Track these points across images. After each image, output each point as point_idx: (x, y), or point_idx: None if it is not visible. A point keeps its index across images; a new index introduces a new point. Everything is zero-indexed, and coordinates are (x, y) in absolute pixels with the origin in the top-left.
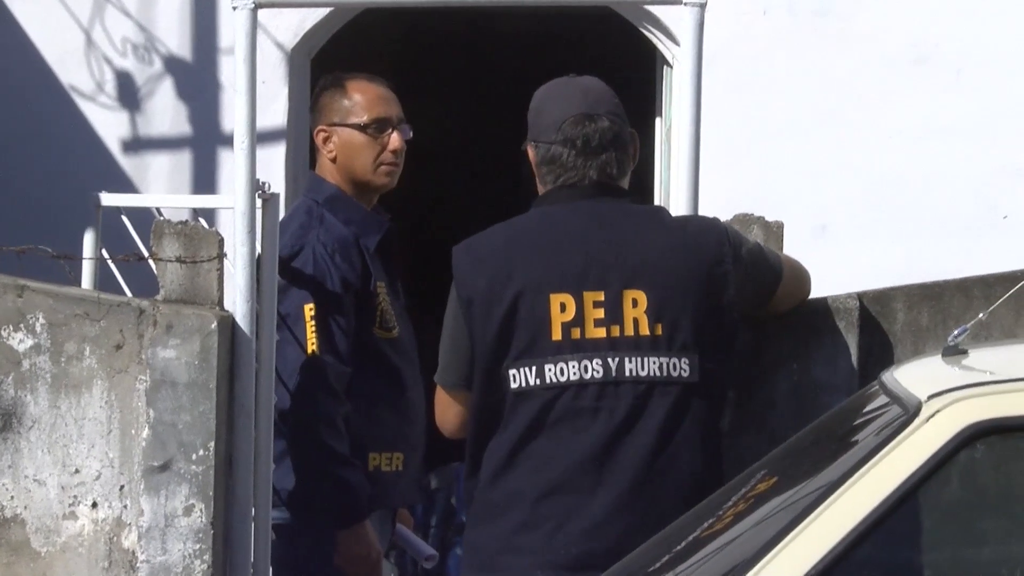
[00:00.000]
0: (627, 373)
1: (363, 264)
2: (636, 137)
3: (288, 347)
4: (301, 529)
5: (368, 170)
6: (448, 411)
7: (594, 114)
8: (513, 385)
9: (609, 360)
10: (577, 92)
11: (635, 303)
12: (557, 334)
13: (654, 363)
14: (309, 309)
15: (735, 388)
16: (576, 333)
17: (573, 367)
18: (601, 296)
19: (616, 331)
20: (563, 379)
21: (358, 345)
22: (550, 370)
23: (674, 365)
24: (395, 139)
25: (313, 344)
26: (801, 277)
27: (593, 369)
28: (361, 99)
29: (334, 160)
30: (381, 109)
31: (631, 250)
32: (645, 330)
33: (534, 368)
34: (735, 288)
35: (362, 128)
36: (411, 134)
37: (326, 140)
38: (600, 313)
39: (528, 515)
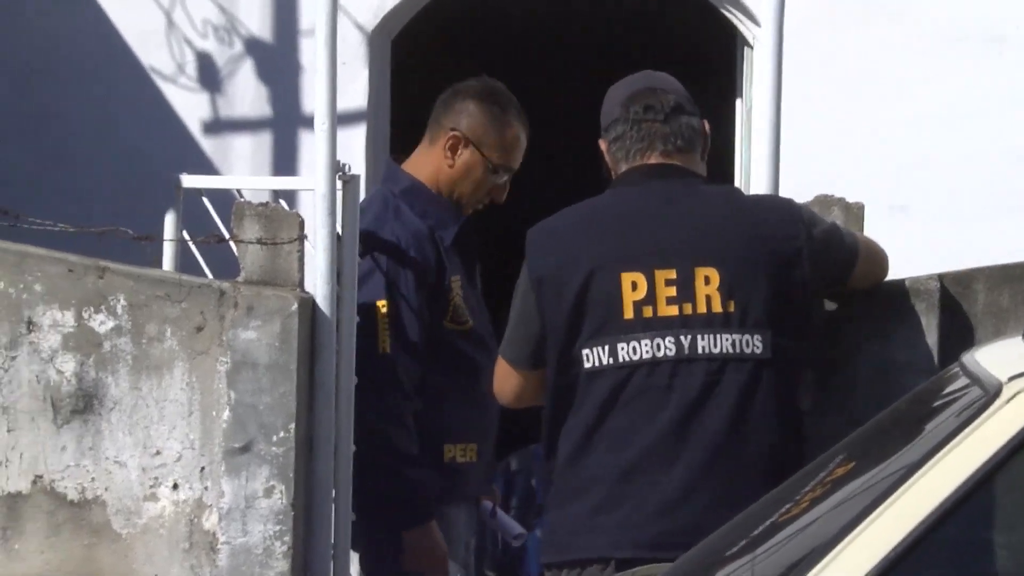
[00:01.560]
0: (700, 350)
1: (438, 258)
2: (707, 128)
3: (360, 343)
4: (364, 527)
5: (466, 196)
6: (506, 383)
7: (657, 88)
8: (587, 365)
9: (682, 338)
10: (641, 75)
11: (707, 280)
12: (629, 312)
13: (727, 340)
14: (382, 306)
15: (816, 369)
16: (648, 311)
17: (646, 345)
18: (673, 274)
19: (688, 309)
20: (636, 358)
21: (430, 339)
22: (623, 349)
23: (747, 342)
24: (503, 189)
25: (385, 342)
26: (878, 258)
27: (666, 347)
28: (511, 139)
29: (450, 167)
30: (515, 159)
31: (702, 228)
32: (718, 307)
33: (607, 347)
34: (809, 266)
35: (493, 166)
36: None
37: (455, 146)
38: (672, 291)
39: (605, 495)
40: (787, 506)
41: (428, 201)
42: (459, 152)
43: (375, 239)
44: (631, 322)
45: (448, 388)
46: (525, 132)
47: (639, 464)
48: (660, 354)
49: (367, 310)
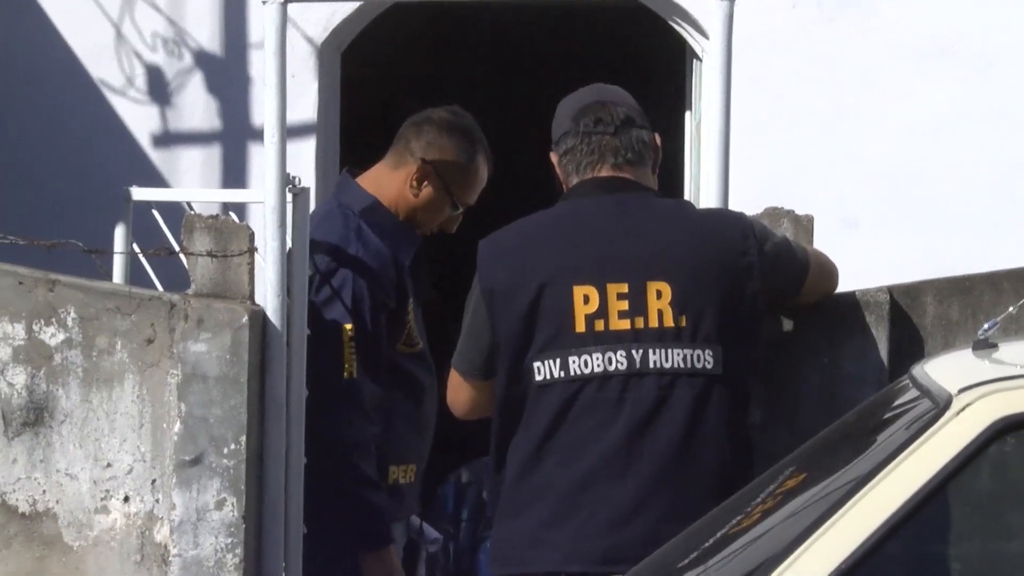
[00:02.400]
0: (651, 365)
1: (399, 282)
2: (659, 141)
3: (324, 366)
4: (324, 551)
5: (424, 224)
6: (459, 394)
7: (607, 101)
8: (537, 377)
9: (633, 352)
10: (591, 89)
11: (659, 295)
12: (581, 326)
13: (678, 355)
14: (348, 329)
15: (764, 382)
16: (600, 325)
17: (597, 359)
18: (625, 288)
19: (640, 323)
20: (587, 371)
21: (386, 362)
22: (574, 362)
23: (698, 357)
24: (456, 221)
25: (352, 367)
26: (828, 271)
27: (617, 361)
28: (478, 180)
29: (415, 196)
30: (473, 197)
31: (654, 242)
32: (669, 321)
33: (558, 360)
34: (760, 281)
35: (453, 203)
36: None
37: (423, 179)
38: (624, 305)
39: (555, 509)
40: (738, 518)
41: (389, 223)
42: (425, 184)
43: (342, 257)
44: (583, 335)
45: (395, 410)
46: (490, 170)
47: (589, 478)
48: (611, 368)
49: (333, 332)
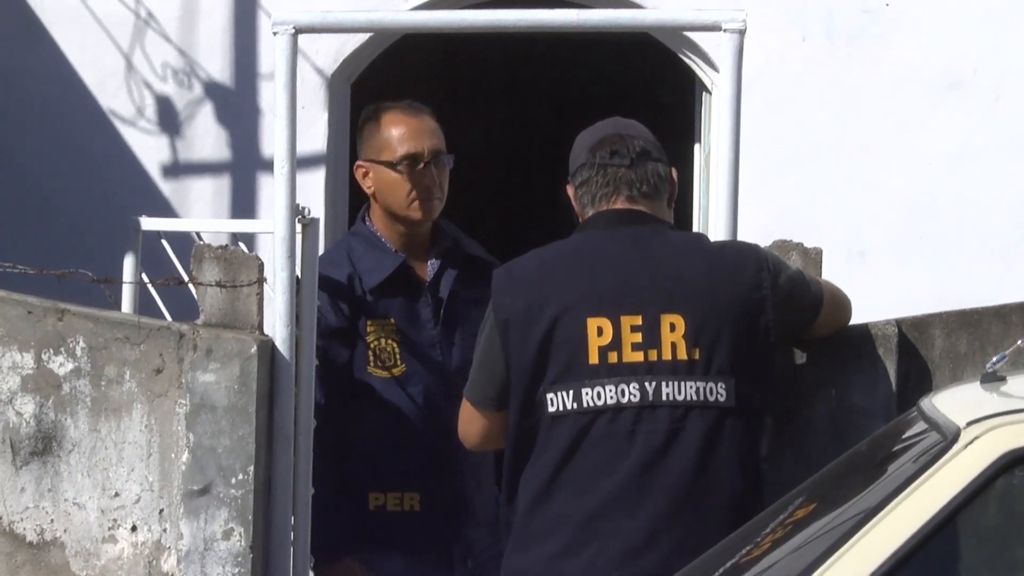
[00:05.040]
0: (664, 397)
1: (352, 302)
2: (674, 175)
3: None
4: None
5: (402, 206)
6: (470, 425)
7: (624, 134)
8: (551, 409)
9: (646, 384)
10: (609, 122)
11: (673, 327)
12: (594, 358)
13: (691, 387)
14: None
15: (774, 414)
16: (613, 357)
17: (610, 391)
18: (639, 320)
19: (654, 355)
20: (600, 403)
21: (355, 384)
22: (587, 394)
23: (711, 390)
24: (427, 175)
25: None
26: (842, 304)
27: (630, 393)
28: (394, 134)
29: (373, 196)
30: (412, 144)
31: (668, 274)
32: (683, 354)
33: (571, 392)
34: (773, 314)
35: (393, 165)
36: (451, 164)
37: (364, 176)
38: (638, 337)
39: (568, 540)
40: (747, 548)
41: (363, 245)
42: (368, 177)
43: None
44: (596, 367)
45: (376, 435)
46: (415, 114)
47: (602, 510)
48: (624, 400)
49: None
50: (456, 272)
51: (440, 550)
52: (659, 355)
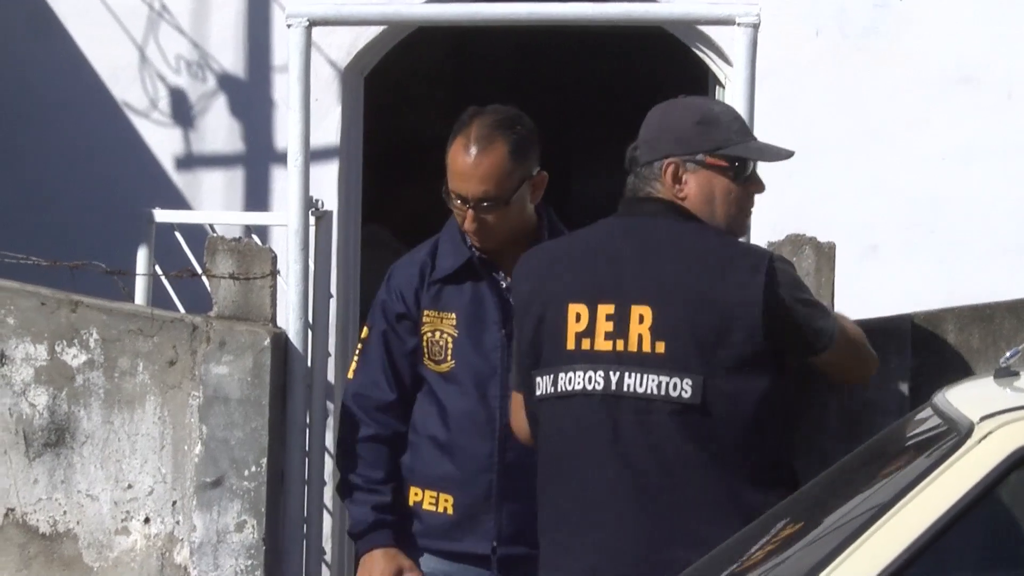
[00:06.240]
0: (626, 388)
1: (417, 289)
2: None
3: None
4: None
5: (460, 228)
6: (518, 414)
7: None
8: (537, 392)
9: (611, 373)
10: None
11: (641, 319)
12: (571, 343)
13: (653, 381)
14: (364, 332)
15: (785, 409)
16: (587, 344)
17: (579, 377)
18: (612, 309)
19: (621, 345)
20: (570, 388)
21: (413, 376)
22: (562, 378)
23: (674, 385)
24: (468, 220)
25: (352, 368)
26: (861, 357)
27: (595, 381)
28: (450, 166)
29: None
30: (459, 186)
31: (647, 266)
32: (647, 347)
33: (551, 376)
34: (763, 319)
35: (446, 191)
36: (534, 178)
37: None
38: (610, 326)
39: (548, 530)
40: (760, 543)
41: (450, 234)
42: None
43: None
44: (572, 353)
45: (422, 430)
46: (469, 151)
47: (573, 500)
48: (590, 387)
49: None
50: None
51: (468, 558)
52: (626, 345)
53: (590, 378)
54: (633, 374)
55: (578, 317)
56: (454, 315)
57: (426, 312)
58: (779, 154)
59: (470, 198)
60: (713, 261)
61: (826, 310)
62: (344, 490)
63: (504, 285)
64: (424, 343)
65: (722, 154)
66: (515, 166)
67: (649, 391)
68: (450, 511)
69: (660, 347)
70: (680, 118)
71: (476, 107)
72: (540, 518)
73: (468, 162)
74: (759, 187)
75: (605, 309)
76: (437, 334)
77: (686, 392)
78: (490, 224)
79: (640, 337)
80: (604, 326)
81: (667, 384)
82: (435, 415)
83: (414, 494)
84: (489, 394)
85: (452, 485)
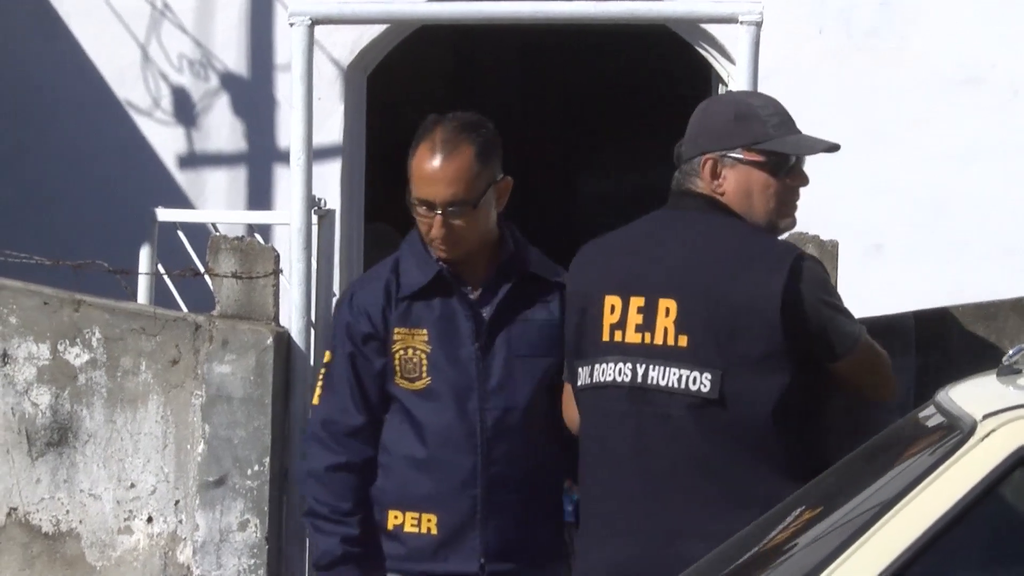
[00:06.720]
0: (650, 381)
1: (384, 308)
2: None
3: None
4: None
5: (425, 238)
6: (567, 405)
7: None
8: (578, 383)
9: (637, 365)
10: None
11: (667, 312)
12: (606, 335)
13: (674, 374)
14: (327, 356)
15: (791, 415)
16: (619, 335)
17: (610, 368)
18: (642, 302)
19: (648, 338)
20: (603, 379)
21: (382, 397)
22: (597, 370)
23: (694, 379)
24: (435, 226)
25: (316, 394)
26: (878, 372)
27: (624, 372)
28: (414, 172)
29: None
30: (424, 191)
31: (676, 259)
32: (672, 340)
33: (588, 367)
34: (787, 319)
35: (410, 199)
36: (498, 183)
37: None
38: (640, 318)
39: (583, 520)
40: (763, 541)
41: (412, 250)
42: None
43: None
44: (607, 344)
45: (396, 450)
46: (437, 156)
47: (600, 490)
48: (619, 379)
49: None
50: (510, 287)
51: None
52: (652, 338)
53: (619, 370)
54: (657, 367)
55: (612, 309)
56: (426, 331)
57: (397, 330)
58: (817, 147)
59: (438, 203)
60: (737, 256)
61: (852, 317)
62: (311, 518)
63: (472, 298)
64: (396, 361)
65: (759, 148)
66: (482, 168)
67: (671, 384)
68: (434, 531)
69: (683, 340)
70: (718, 113)
71: (437, 115)
72: (580, 508)
73: (435, 166)
74: (802, 180)
75: (636, 301)
76: (410, 351)
77: (704, 386)
78: (458, 230)
79: (665, 330)
80: (635, 318)
81: (687, 378)
82: (410, 434)
83: (394, 517)
84: (469, 408)
85: (435, 504)
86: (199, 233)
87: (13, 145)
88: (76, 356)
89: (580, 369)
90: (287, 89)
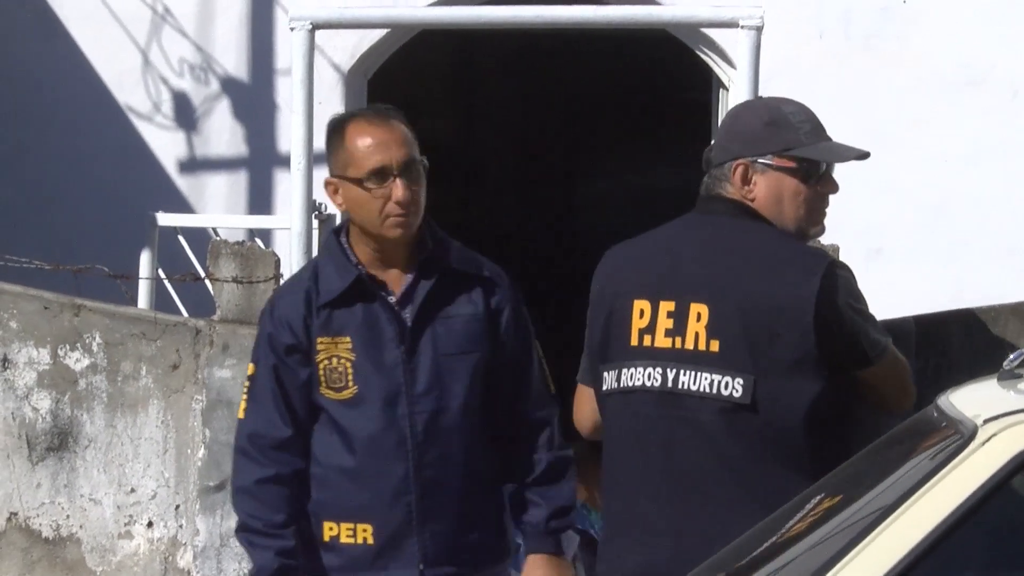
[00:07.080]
0: (680, 385)
1: (306, 318)
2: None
3: None
4: None
5: (376, 224)
6: (582, 407)
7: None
8: (604, 387)
9: (668, 370)
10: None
11: (699, 317)
12: (634, 339)
13: (706, 379)
14: (250, 369)
15: (820, 419)
16: (648, 340)
17: (639, 373)
18: (672, 306)
19: (679, 343)
20: (631, 384)
21: (310, 407)
22: (625, 374)
23: (726, 384)
24: (397, 189)
25: (241, 407)
26: (903, 384)
27: (654, 377)
28: (359, 147)
29: (345, 211)
30: (379, 157)
31: (707, 264)
32: (703, 345)
33: (615, 371)
34: (816, 326)
35: (361, 182)
36: (425, 167)
37: (335, 192)
38: (670, 323)
39: (608, 525)
40: (767, 543)
41: (329, 257)
42: (337, 194)
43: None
44: (635, 349)
45: (327, 461)
46: (380, 123)
47: (627, 493)
48: (649, 383)
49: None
50: (431, 286)
51: None
52: (683, 343)
53: (649, 374)
54: (688, 372)
55: (641, 313)
56: (349, 338)
57: (319, 340)
58: (848, 154)
59: (395, 164)
60: (769, 262)
61: (879, 324)
62: (245, 534)
63: (392, 301)
64: (321, 371)
65: (790, 155)
66: (415, 139)
67: (702, 389)
68: (370, 540)
69: (714, 345)
70: (750, 119)
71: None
72: (604, 513)
73: (381, 132)
74: (832, 187)
75: (666, 306)
76: (334, 360)
77: (736, 392)
78: (416, 195)
79: (697, 335)
80: (665, 323)
81: (719, 383)
82: (339, 444)
83: (329, 528)
84: (398, 414)
85: (369, 513)
86: (199, 237)
87: (13, 149)
88: (76, 361)
89: (606, 373)
90: (287, 93)
